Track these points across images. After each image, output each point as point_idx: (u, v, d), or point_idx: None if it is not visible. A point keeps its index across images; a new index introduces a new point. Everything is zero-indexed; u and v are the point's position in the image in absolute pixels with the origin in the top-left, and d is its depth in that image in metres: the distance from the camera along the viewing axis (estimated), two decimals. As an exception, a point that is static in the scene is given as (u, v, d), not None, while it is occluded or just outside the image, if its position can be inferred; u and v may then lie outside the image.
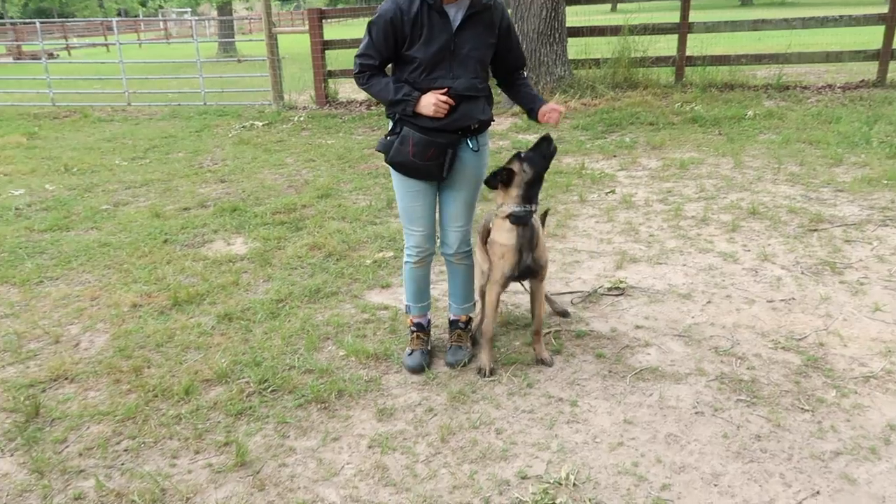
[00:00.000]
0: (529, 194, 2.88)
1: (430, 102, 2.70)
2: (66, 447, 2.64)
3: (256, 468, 2.47)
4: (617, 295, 3.74)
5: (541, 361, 3.08)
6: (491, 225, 3.05)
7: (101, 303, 3.91)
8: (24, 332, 3.60)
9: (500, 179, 2.88)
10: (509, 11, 9.05)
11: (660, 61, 9.60)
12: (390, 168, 2.91)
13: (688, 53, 9.60)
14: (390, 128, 2.86)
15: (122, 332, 3.52)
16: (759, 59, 9.67)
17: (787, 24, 9.49)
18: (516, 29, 8.79)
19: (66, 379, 3.13)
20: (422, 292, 3.15)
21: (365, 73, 2.77)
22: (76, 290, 4.10)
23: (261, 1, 10.45)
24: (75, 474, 2.47)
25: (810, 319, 3.41)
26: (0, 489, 2.41)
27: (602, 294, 3.76)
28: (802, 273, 3.93)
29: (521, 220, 2.88)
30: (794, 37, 11.18)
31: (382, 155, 2.88)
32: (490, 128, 3.02)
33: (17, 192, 6.37)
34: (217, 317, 3.63)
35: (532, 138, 7.62)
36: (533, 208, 2.90)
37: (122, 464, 2.52)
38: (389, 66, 2.86)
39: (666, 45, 9.80)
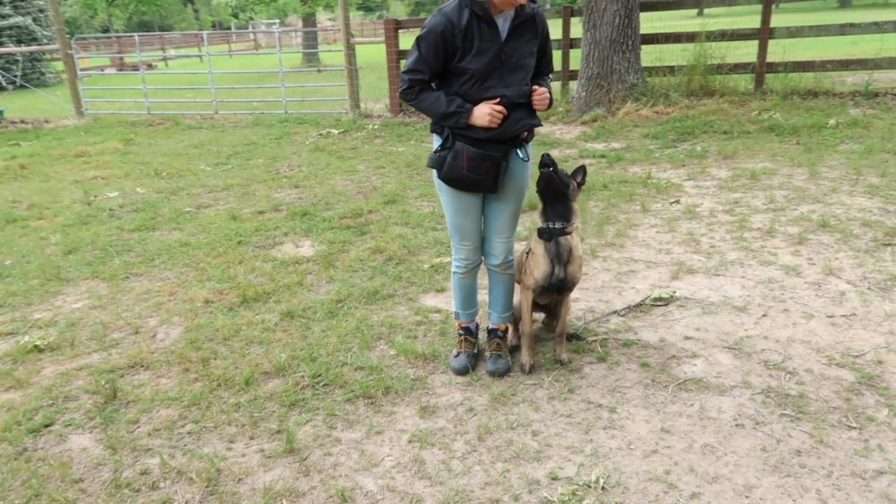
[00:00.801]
0: (546, 212, 2.97)
1: (485, 112, 2.77)
2: (138, 427, 2.90)
3: (303, 455, 2.64)
4: (663, 306, 3.73)
5: (558, 361, 3.18)
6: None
7: (178, 298, 4.21)
8: (109, 322, 3.93)
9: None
10: (581, 19, 9.09)
11: (738, 68, 9.34)
12: (438, 184, 3.00)
13: (770, 59, 9.31)
14: (440, 143, 2.95)
15: (194, 326, 3.79)
16: (846, 64, 9.25)
17: (877, 27, 9.04)
18: (589, 36, 8.87)
19: (142, 366, 3.41)
20: (469, 299, 3.26)
21: (414, 89, 2.84)
22: (157, 286, 4.43)
23: (340, 12, 10.85)
24: (143, 452, 2.72)
25: (871, 336, 3.30)
26: (79, 461, 2.68)
27: (650, 305, 3.75)
28: (869, 288, 3.79)
29: (542, 235, 2.98)
30: (886, 41, 10.60)
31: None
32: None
33: (112, 194, 6.90)
34: (280, 314, 3.86)
35: (601, 147, 7.61)
36: (557, 225, 2.96)
37: (185, 445, 2.75)
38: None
39: (746, 52, 9.54)
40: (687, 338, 3.40)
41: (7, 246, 5.39)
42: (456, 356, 3.21)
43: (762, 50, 9.22)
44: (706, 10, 40.62)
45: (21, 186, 7.50)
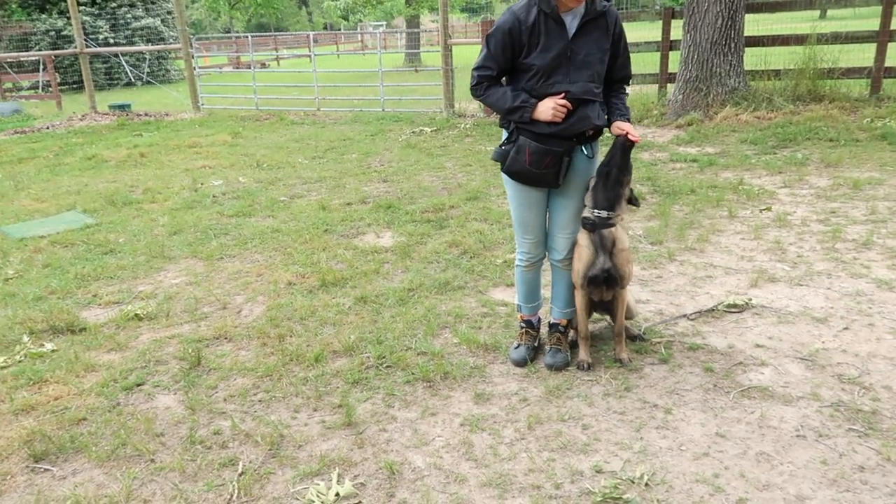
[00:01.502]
0: (596, 199, 2.96)
1: (549, 107, 2.82)
2: (216, 392, 3.14)
3: (360, 429, 2.78)
4: (737, 312, 3.62)
5: (618, 360, 3.17)
6: None
7: (264, 279, 4.49)
8: (201, 297, 4.25)
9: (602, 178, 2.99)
10: (683, 21, 8.85)
11: (852, 72, 8.80)
12: (504, 177, 3.07)
13: (889, 64, 8.72)
14: (505, 137, 3.02)
15: (276, 305, 4.04)
16: (976, 70, 8.51)
17: None
18: (689, 38, 8.63)
19: (226, 338, 3.68)
20: (532, 293, 3.30)
21: (482, 84, 2.92)
22: (247, 267, 4.74)
23: (440, 13, 11.08)
24: (218, 414, 2.95)
25: (964, 357, 3.08)
26: (162, 418, 2.95)
27: (722, 311, 3.65)
28: (970, 307, 3.53)
29: (585, 225, 2.97)
30: None
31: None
32: (603, 135, 3.09)
33: (217, 182, 7.39)
34: (354, 299, 4.05)
35: (694, 151, 7.40)
36: (603, 215, 2.94)
37: (255, 411, 2.96)
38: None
39: (862, 56, 8.98)
40: (758, 346, 3.30)
41: (122, 225, 5.91)
42: (516, 347, 3.27)
43: (880, 53, 8.64)
44: (829, 12, 38.29)
45: (139, 173, 8.16)
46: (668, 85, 9.70)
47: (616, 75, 3.00)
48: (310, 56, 14.33)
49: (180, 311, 4.08)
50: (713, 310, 3.67)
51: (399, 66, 23.20)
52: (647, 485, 2.36)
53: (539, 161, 2.89)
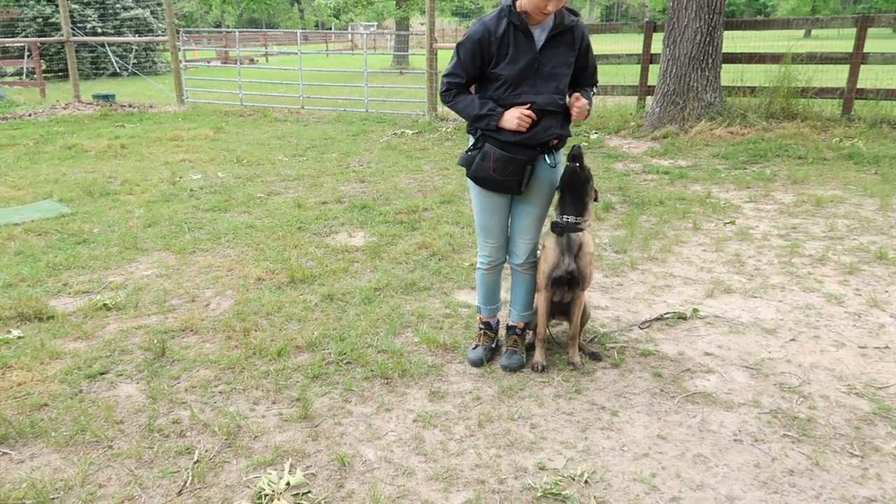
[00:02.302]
0: (563, 204, 3.08)
1: (514, 116, 2.91)
2: (178, 383, 3.20)
3: (316, 423, 2.86)
4: (684, 320, 3.75)
5: (570, 363, 3.27)
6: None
7: (235, 274, 4.55)
8: (171, 290, 4.31)
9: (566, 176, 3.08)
10: (662, 35, 9.02)
11: (825, 92, 9.03)
12: (469, 182, 3.17)
13: (861, 86, 8.95)
14: (472, 143, 3.11)
15: (244, 300, 4.11)
16: (944, 95, 8.76)
17: (983, 57, 8.52)
18: (668, 52, 8.80)
19: (192, 331, 3.74)
20: (492, 295, 3.40)
21: (451, 91, 3.01)
22: (218, 262, 4.79)
23: (427, 17, 11.18)
24: (178, 404, 3.01)
25: (900, 370, 3.22)
26: (122, 406, 3.00)
27: (670, 320, 3.77)
28: (912, 324, 3.68)
29: (554, 228, 3.09)
30: None
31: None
32: (566, 146, 3.19)
33: (196, 176, 7.42)
34: (322, 296, 4.12)
35: (667, 164, 7.56)
36: (571, 220, 3.06)
37: (215, 402, 3.03)
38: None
39: (836, 76, 9.20)
40: (707, 354, 3.42)
41: (98, 216, 5.93)
42: (474, 348, 3.37)
43: (853, 75, 8.87)
44: (814, 32, 38.94)
45: (119, 164, 8.17)
46: (648, 97, 9.87)
47: (584, 83, 3.12)
48: (298, 54, 14.35)
49: (149, 302, 4.13)
50: (660, 318, 3.79)
51: (387, 67, 23.27)
52: (586, 482, 2.46)
53: (503, 168, 2.98)
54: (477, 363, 3.29)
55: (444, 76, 3.03)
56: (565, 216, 3.07)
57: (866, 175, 6.79)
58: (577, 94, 2.97)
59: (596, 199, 3.18)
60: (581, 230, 3.08)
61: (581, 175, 3.04)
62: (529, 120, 2.92)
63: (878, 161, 7.19)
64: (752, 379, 3.17)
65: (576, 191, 3.06)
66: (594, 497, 2.39)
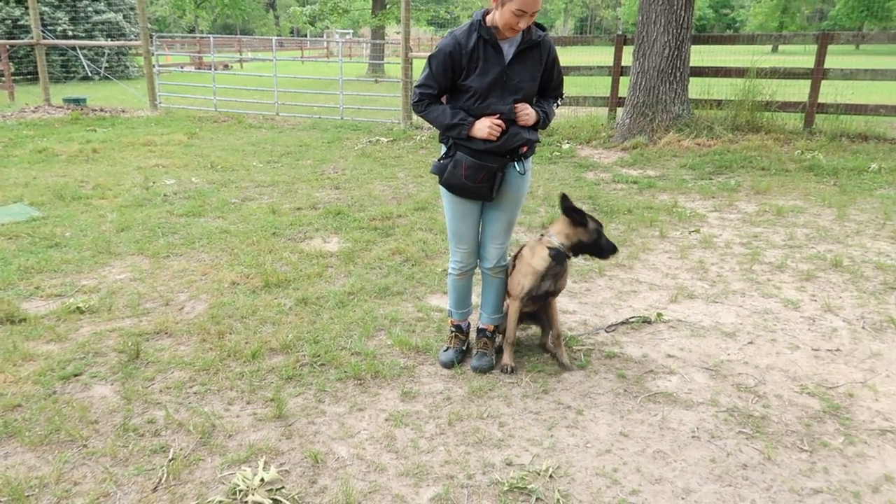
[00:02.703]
0: (574, 247, 3.22)
1: (485, 126, 3.02)
2: (152, 384, 3.24)
3: (290, 422, 2.92)
4: (649, 324, 3.89)
5: (563, 366, 3.36)
6: (529, 242, 3.35)
7: (209, 278, 4.59)
8: (145, 293, 4.33)
9: (576, 214, 3.17)
10: (632, 48, 9.24)
11: (788, 106, 9.33)
12: (441, 189, 3.27)
13: (822, 100, 9.26)
14: (444, 152, 3.22)
15: (218, 303, 4.15)
16: (900, 110, 9.11)
17: (935, 75, 8.89)
18: (638, 65, 9.02)
19: (166, 333, 3.78)
20: (463, 300, 3.50)
21: (424, 101, 3.11)
22: (192, 266, 4.83)
23: (402, 26, 11.30)
24: (153, 405, 3.06)
25: (850, 371, 3.38)
26: (97, 407, 3.04)
27: (635, 324, 3.91)
28: (863, 328, 3.86)
29: (556, 258, 3.20)
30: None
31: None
32: (535, 154, 3.31)
33: (169, 182, 7.42)
34: (296, 300, 4.18)
35: (636, 173, 7.74)
36: (570, 256, 3.22)
37: (190, 403, 3.07)
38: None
39: (799, 91, 9.51)
40: (669, 356, 3.55)
41: (70, 220, 5.91)
42: (445, 350, 3.46)
43: (814, 90, 9.19)
44: (781, 47, 39.93)
45: (91, 168, 8.13)
46: (618, 108, 10.09)
47: (551, 94, 3.25)
48: (273, 60, 14.36)
49: (122, 305, 4.15)
50: (625, 322, 3.92)
51: (362, 75, 23.35)
52: (551, 476, 2.56)
53: (474, 175, 3.09)
54: (448, 365, 3.38)
55: (416, 87, 3.13)
56: (564, 248, 3.21)
57: (825, 186, 7.04)
58: (521, 104, 3.07)
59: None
60: (571, 258, 3.27)
61: (576, 215, 3.20)
62: (499, 129, 3.03)
63: (837, 173, 7.46)
64: (711, 379, 3.31)
65: (577, 224, 3.22)
66: (558, 490, 2.49)
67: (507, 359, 3.38)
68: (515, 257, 3.38)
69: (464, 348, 3.51)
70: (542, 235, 3.32)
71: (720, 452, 2.73)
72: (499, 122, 3.03)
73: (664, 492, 2.50)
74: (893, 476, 2.59)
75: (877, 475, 2.59)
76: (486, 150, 3.07)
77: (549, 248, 3.22)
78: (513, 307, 3.36)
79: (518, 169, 3.19)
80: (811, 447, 2.76)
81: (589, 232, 3.21)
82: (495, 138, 3.04)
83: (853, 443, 2.79)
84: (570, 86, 12.31)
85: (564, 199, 3.17)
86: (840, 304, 4.17)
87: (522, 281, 3.28)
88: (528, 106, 3.07)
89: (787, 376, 3.34)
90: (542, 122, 3.14)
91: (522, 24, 2.88)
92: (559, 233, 3.23)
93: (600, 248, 3.24)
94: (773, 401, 3.12)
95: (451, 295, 3.51)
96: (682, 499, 2.46)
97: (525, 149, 3.17)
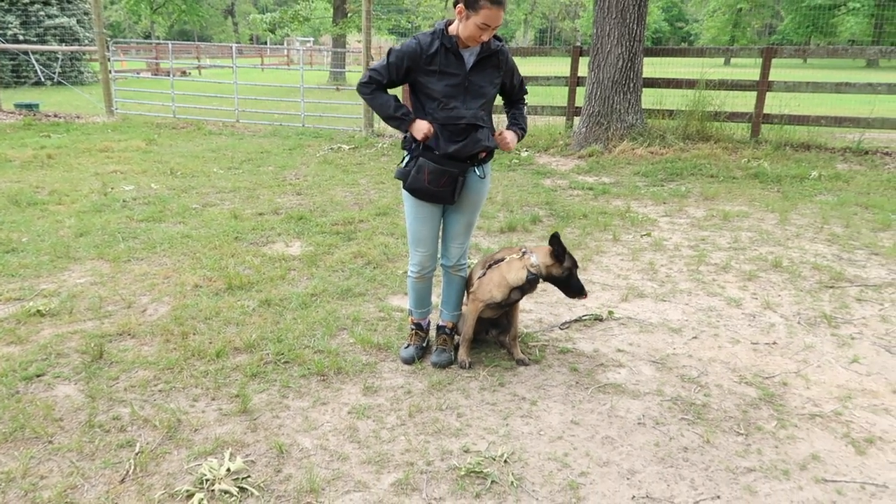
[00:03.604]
0: (548, 277, 3.42)
1: (423, 128, 3.16)
2: (117, 383, 3.29)
3: (255, 416, 3.01)
4: (600, 321, 4.09)
5: (519, 362, 3.52)
6: (506, 256, 3.48)
7: (171, 281, 4.63)
8: (106, 296, 4.35)
9: (556, 247, 3.37)
10: (587, 59, 9.53)
11: (735, 116, 9.73)
12: (403, 194, 3.40)
13: (767, 111, 9.69)
14: (407, 158, 3.35)
15: (181, 305, 4.20)
16: (839, 121, 9.59)
17: (871, 88, 9.40)
18: (593, 76, 9.31)
19: (129, 335, 3.82)
20: (422, 300, 3.63)
21: (371, 85, 3.22)
22: (154, 270, 4.85)
23: (363, 35, 11.42)
24: (118, 402, 3.11)
25: (785, 363, 3.62)
26: (61, 405, 3.07)
27: (588, 321, 4.10)
28: (798, 323, 4.11)
29: (530, 281, 3.39)
30: (881, 102, 10.89)
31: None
32: (493, 159, 3.47)
33: (128, 188, 7.39)
34: (259, 301, 4.26)
35: (591, 180, 7.99)
36: (542, 280, 3.42)
37: (155, 400, 3.13)
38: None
39: (746, 102, 9.92)
40: (619, 350, 3.74)
41: (26, 225, 5.86)
42: (406, 347, 3.59)
43: (760, 101, 9.61)
44: (733, 60, 41.29)
45: (46, 174, 8.03)
46: (575, 118, 10.38)
47: (514, 97, 3.45)
48: (232, 67, 14.31)
49: (84, 308, 4.17)
50: (578, 320, 4.11)
51: (323, 83, 23.37)
52: (506, 461, 2.71)
53: (437, 180, 3.23)
54: (408, 360, 3.51)
55: (369, 70, 3.24)
56: (539, 275, 3.39)
57: (769, 192, 7.39)
58: (500, 130, 3.28)
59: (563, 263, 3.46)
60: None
61: (559, 252, 3.41)
62: (430, 135, 3.18)
63: (781, 180, 7.84)
64: (657, 371, 3.51)
65: (556, 256, 3.42)
66: (512, 474, 2.63)
67: (462, 354, 3.52)
68: (491, 265, 3.50)
69: (423, 345, 3.64)
70: (524, 253, 3.45)
71: (663, 437, 2.92)
72: (432, 133, 3.18)
73: (611, 473, 2.67)
74: (820, 455, 2.80)
75: (805, 455, 2.80)
76: (448, 156, 3.21)
77: (529, 269, 3.38)
78: (473, 307, 3.50)
79: (478, 173, 3.34)
80: (747, 431, 2.97)
81: (561, 269, 3.40)
82: (424, 140, 3.18)
83: (785, 426, 3.01)
84: (529, 95, 12.58)
85: (556, 235, 3.37)
86: (778, 302, 4.43)
87: (494, 291, 3.41)
88: (507, 134, 3.27)
89: (727, 367, 3.56)
90: (521, 137, 3.38)
91: (485, 37, 3.05)
92: (541, 258, 3.40)
93: (568, 286, 3.44)
94: (713, 390, 3.32)
95: (410, 295, 3.64)
96: (628, 479, 2.63)
97: (484, 154, 3.33)
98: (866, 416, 3.10)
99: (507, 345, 3.66)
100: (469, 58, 3.19)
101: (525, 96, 3.51)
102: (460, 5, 3.04)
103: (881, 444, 2.89)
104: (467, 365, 3.48)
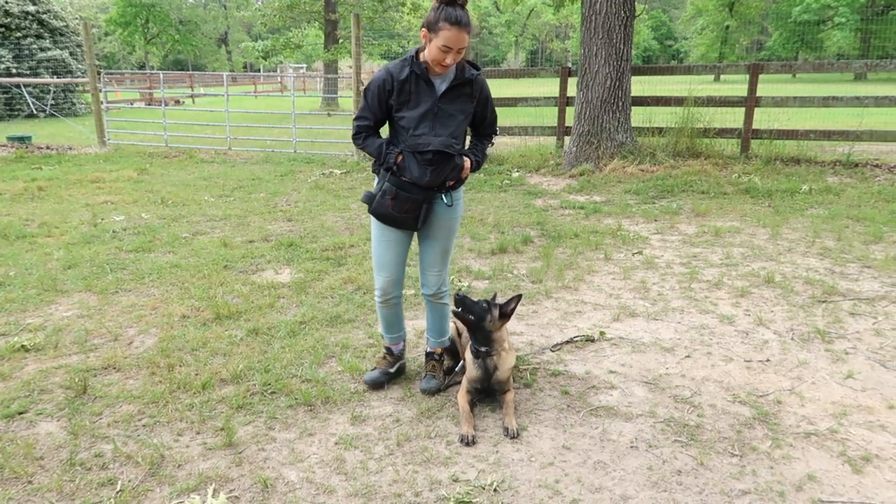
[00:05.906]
0: (473, 338, 3.29)
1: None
2: (100, 419, 3.23)
3: (240, 450, 2.95)
4: (592, 342, 4.05)
5: (504, 430, 3.10)
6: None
7: (159, 312, 4.58)
8: (93, 329, 4.30)
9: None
10: (576, 79, 9.59)
11: (725, 132, 9.77)
12: (371, 218, 3.37)
13: (756, 126, 9.73)
14: (377, 182, 3.33)
15: (168, 337, 4.15)
16: (828, 134, 9.64)
17: (858, 101, 9.45)
18: (582, 95, 9.35)
19: (115, 368, 3.76)
20: (392, 325, 3.56)
21: (362, 134, 3.24)
22: (142, 301, 4.81)
23: (353, 60, 11.48)
24: (100, 439, 3.05)
25: (779, 380, 3.57)
26: (43, 443, 3.01)
27: (580, 342, 4.06)
28: (791, 339, 4.07)
29: (473, 353, 3.28)
30: (870, 115, 10.93)
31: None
32: (465, 186, 3.44)
33: (118, 218, 7.36)
34: (247, 331, 4.21)
35: (583, 199, 7.99)
36: (482, 349, 3.24)
37: (139, 435, 3.07)
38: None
39: (735, 118, 9.97)
40: (611, 371, 3.69)
41: (14, 258, 5.82)
42: (372, 370, 3.54)
43: (748, 117, 9.65)
44: (723, 76, 41.63)
45: (36, 207, 8.00)
46: (566, 137, 10.41)
47: (484, 131, 3.41)
48: (225, 95, 14.37)
49: (69, 342, 4.12)
50: (570, 341, 4.06)
51: (315, 109, 23.49)
52: (496, 490, 2.65)
53: (401, 205, 3.20)
54: (370, 384, 3.46)
55: (354, 120, 3.25)
56: (477, 346, 3.26)
57: (761, 207, 7.39)
58: (465, 159, 3.25)
59: (508, 314, 3.29)
60: (492, 356, 3.24)
61: (467, 318, 3.21)
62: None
63: (772, 195, 7.84)
64: (649, 392, 3.46)
65: (472, 329, 3.26)
66: (502, 503, 2.57)
67: (465, 429, 3.08)
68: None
69: (391, 370, 3.55)
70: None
71: (657, 460, 2.86)
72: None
73: (603, 499, 2.61)
74: (816, 475, 2.75)
75: (801, 475, 2.75)
76: (413, 182, 3.18)
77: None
78: (461, 397, 3.28)
79: (446, 201, 3.29)
80: (741, 452, 2.91)
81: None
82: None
83: (780, 446, 2.95)
84: (520, 116, 12.66)
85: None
86: (771, 318, 4.39)
87: (467, 374, 3.32)
88: (467, 166, 3.26)
89: (720, 387, 3.51)
90: (476, 167, 3.33)
91: (449, 60, 3.02)
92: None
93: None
94: (707, 410, 3.27)
95: (380, 321, 3.59)
96: (620, 505, 2.57)
97: (452, 183, 3.28)
98: (862, 434, 3.05)
99: (499, 401, 3.36)
100: (440, 85, 3.17)
101: (494, 136, 3.46)
102: (423, 29, 3.04)
103: (878, 461, 2.84)
104: (470, 441, 3.04)
